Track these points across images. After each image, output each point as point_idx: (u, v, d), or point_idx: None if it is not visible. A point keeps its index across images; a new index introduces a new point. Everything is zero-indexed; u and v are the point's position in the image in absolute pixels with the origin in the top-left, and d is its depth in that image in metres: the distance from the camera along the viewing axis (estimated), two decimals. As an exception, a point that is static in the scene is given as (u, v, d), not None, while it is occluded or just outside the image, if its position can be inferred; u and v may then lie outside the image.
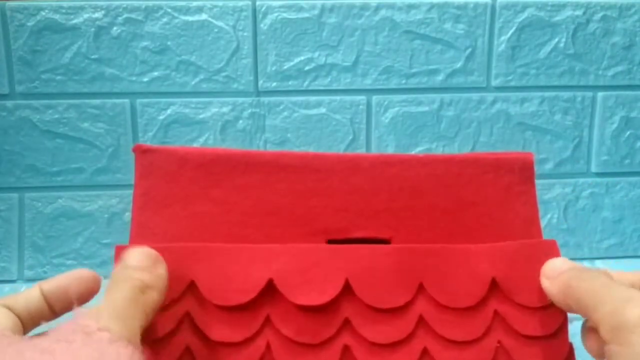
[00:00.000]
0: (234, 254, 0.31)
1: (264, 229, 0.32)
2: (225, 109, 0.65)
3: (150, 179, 0.32)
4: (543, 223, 0.69)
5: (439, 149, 0.67)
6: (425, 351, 0.30)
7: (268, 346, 0.29)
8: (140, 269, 0.29)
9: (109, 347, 0.24)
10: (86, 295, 0.30)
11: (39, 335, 0.25)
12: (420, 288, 0.31)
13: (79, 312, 0.26)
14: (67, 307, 0.30)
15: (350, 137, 0.66)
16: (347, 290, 0.31)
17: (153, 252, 0.30)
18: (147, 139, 0.64)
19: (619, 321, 0.26)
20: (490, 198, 0.34)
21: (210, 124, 0.65)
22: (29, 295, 0.29)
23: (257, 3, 0.63)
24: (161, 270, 0.30)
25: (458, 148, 0.67)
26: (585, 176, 0.70)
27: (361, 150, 0.67)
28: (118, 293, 0.27)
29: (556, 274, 0.31)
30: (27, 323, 0.29)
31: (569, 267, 0.31)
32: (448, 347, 0.30)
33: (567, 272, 0.31)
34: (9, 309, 0.28)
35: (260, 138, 0.66)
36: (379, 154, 0.37)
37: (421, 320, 0.30)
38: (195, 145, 0.65)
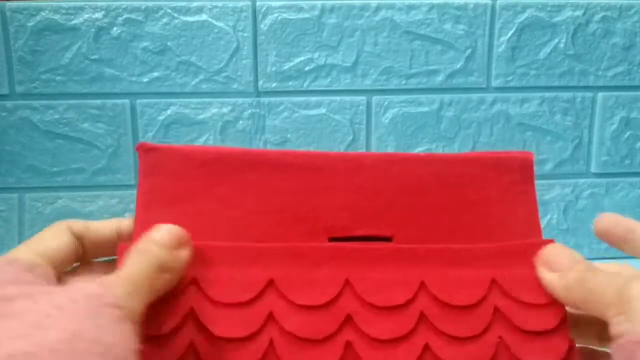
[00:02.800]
0: (236, 253, 0.31)
1: (267, 227, 0.32)
2: (225, 110, 0.65)
3: (154, 177, 0.32)
4: (543, 223, 0.69)
5: (439, 150, 0.67)
6: (426, 347, 0.30)
7: (271, 342, 0.30)
8: (163, 246, 0.29)
9: (113, 326, 0.24)
10: None
11: (59, 287, 0.26)
12: (422, 286, 0.31)
13: (99, 278, 0.27)
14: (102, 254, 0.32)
15: (350, 138, 0.66)
16: (348, 288, 0.31)
17: (182, 232, 0.30)
18: (147, 140, 0.64)
19: (626, 296, 0.28)
20: (491, 197, 0.34)
21: (210, 124, 0.65)
22: (106, 225, 0.32)
23: (257, 3, 0.63)
24: (183, 253, 0.30)
25: (458, 148, 0.67)
26: (585, 177, 0.70)
27: (361, 151, 0.67)
28: (135, 266, 0.28)
29: (565, 268, 0.31)
30: (94, 251, 0.32)
31: (575, 260, 0.32)
32: (449, 343, 0.30)
33: (578, 267, 0.31)
34: (78, 237, 0.31)
35: (260, 138, 0.66)
36: (382, 152, 0.37)
37: (422, 317, 0.31)
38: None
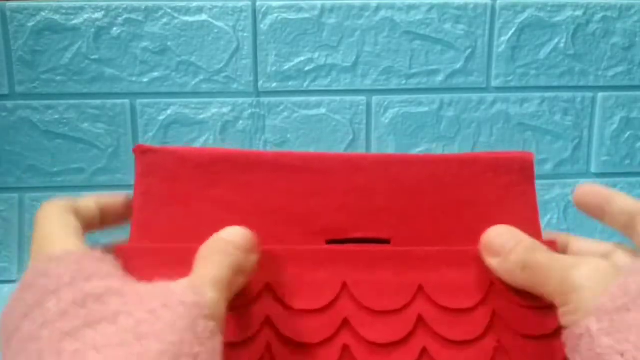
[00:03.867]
0: None
1: (264, 229, 0.32)
2: (225, 110, 0.65)
3: (151, 179, 0.32)
4: (543, 224, 0.69)
5: (439, 150, 0.67)
6: (424, 351, 0.30)
7: (268, 346, 0.29)
8: (240, 248, 0.29)
9: (208, 340, 0.23)
10: (124, 216, 0.32)
11: (140, 283, 0.25)
12: (420, 289, 0.31)
13: (183, 279, 0.26)
14: (115, 223, 0.32)
15: (350, 138, 0.66)
16: (345, 291, 0.31)
17: (253, 236, 0.29)
18: (147, 140, 0.64)
19: (567, 285, 0.27)
20: (490, 198, 0.34)
21: (210, 124, 0.65)
22: (85, 204, 0.30)
23: (257, 3, 0.63)
24: (254, 257, 0.29)
25: (458, 148, 0.67)
26: (585, 177, 0.70)
27: (361, 151, 0.67)
28: (219, 269, 0.27)
29: (505, 251, 0.30)
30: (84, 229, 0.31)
31: (516, 241, 0.30)
32: (447, 347, 0.30)
33: (518, 249, 0.29)
34: (75, 214, 0.29)
35: (260, 139, 0.66)
36: (379, 154, 0.37)
37: (420, 321, 0.30)
38: (196, 145, 0.65)
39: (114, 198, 0.32)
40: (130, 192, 0.32)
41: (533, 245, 0.30)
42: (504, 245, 0.30)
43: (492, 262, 0.31)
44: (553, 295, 0.28)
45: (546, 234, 0.34)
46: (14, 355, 0.23)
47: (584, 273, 0.27)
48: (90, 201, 0.31)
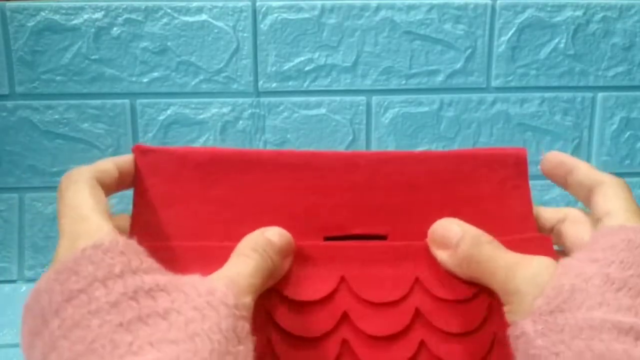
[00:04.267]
0: (231, 252, 0.31)
1: (263, 227, 0.32)
2: (225, 110, 0.65)
3: (150, 179, 0.32)
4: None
5: (439, 150, 0.67)
6: (422, 343, 0.30)
7: (269, 341, 0.30)
8: (280, 253, 0.29)
9: (245, 341, 0.24)
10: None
11: (180, 278, 0.25)
12: (416, 282, 0.31)
13: (224, 276, 0.26)
14: (128, 184, 0.32)
15: (350, 138, 0.66)
16: (344, 285, 0.31)
17: (293, 242, 0.30)
18: (147, 140, 0.64)
19: (509, 288, 0.28)
20: (485, 193, 0.34)
21: (210, 124, 0.65)
22: (106, 169, 0.30)
23: (257, 4, 0.63)
24: (288, 262, 0.30)
25: (458, 149, 0.67)
26: (585, 177, 0.70)
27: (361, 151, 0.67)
28: (254, 276, 0.27)
29: (453, 244, 0.30)
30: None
31: (462, 234, 0.30)
32: (445, 339, 0.31)
33: (464, 242, 0.30)
34: (100, 183, 0.29)
35: (260, 139, 0.66)
36: (376, 151, 0.37)
37: (418, 313, 0.31)
38: (196, 145, 0.65)
39: (129, 158, 0.32)
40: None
41: (478, 239, 0.30)
42: (451, 238, 0.30)
43: (440, 255, 0.31)
44: (498, 292, 0.29)
45: None
46: (54, 339, 0.23)
47: (525, 275, 0.28)
48: (110, 165, 0.31)
